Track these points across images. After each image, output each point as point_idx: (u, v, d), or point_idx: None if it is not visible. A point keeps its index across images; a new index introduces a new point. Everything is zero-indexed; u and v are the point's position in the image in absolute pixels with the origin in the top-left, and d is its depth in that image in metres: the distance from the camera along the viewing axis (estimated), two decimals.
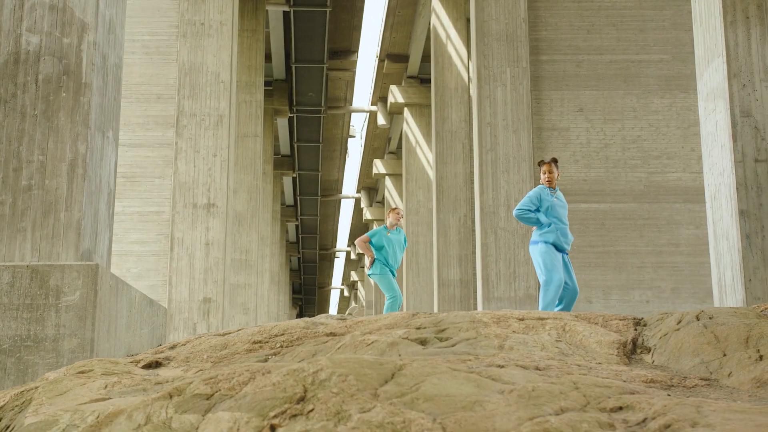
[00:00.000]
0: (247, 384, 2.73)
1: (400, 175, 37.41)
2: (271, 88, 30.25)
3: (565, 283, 7.60)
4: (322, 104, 31.22)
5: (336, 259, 56.23)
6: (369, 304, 46.66)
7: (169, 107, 15.54)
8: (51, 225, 6.35)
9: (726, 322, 3.89)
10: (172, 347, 4.52)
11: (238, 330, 4.66)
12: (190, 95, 15.33)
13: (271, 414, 2.46)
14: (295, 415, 2.45)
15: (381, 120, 34.53)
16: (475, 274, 21.60)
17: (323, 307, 64.94)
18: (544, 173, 8.28)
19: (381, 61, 32.09)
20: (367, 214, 43.68)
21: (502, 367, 3.03)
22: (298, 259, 51.37)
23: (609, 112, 16.16)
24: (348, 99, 34.63)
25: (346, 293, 63.45)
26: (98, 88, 6.67)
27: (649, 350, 3.93)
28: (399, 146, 37.62)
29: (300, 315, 64.59)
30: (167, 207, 15.10)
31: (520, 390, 2.49)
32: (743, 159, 6.83)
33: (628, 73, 16.30)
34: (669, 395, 2.70)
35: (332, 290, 65.36)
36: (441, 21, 24.20)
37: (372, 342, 3.82)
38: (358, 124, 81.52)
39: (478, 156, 15.66)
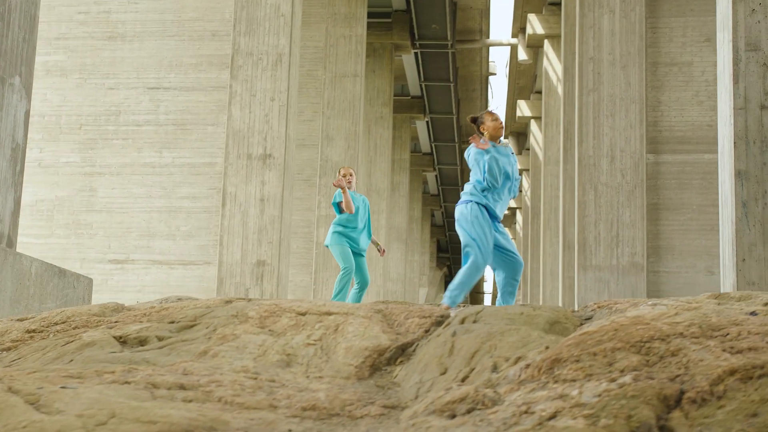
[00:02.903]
0: None
1: None
2: (389, 20, 29.87)
3: (509, 253, 6.71)
4: (449, 37, 30.60)
5: None
6: None
7: (224, 46, 15.51)
8: None
9: (477, 330, 3.35)
10: None
11: (45, 315, 4.46)
12: (246, 31, 15.22)
13: None
14: None
15: (522, 55, 33.61)
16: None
17: None
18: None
19: None
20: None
21: (114, 383, 2.68)
22: (442, 213, 51.16)
23: None
24: (484, 31, 33.84)
25: None
26: None
27: (410, 360, 3.45)
28: None
29: (449, 276, 64.55)
30: (220, 158, 15.12)
31: None
32: (745, 105, 5.90)
33: None
34: (290, 431, 2.28)
35: None
36: None
37: (72, 341, 3.53)
38: (502, 59, 78.26)
39: (578, 97, 14.87)
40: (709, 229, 14.58)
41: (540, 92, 37.20)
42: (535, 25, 30.21)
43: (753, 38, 5.98)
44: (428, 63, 32.55)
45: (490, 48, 35.70)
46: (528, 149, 42.04)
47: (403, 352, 3.57)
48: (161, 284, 15.06)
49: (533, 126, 36.71)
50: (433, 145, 40.26)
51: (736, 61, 6.00)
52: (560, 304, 20.31)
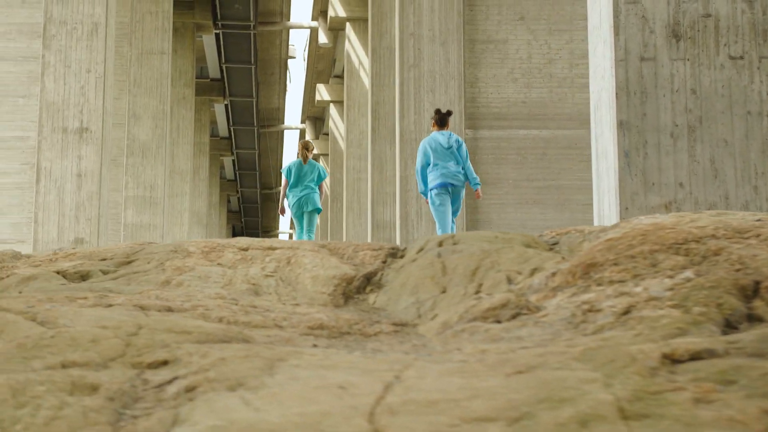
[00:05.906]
0: None
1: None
2: None
3: None
4: (252, 18, 30.33)
5: None
6: None
7: (36, 13, 14.78)
8: None
9: (466, 249, 3.40)
10: None
11: None
12: None
13: None
14: None
15: (323, 38, 33.70)
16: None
17: None
18: None
19: None
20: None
21: (94, 306, 2.53)
22: (238, 198, 50.69)
23: (555, 21, 15.56)
24: (285, 13, 33.74)
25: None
26: None
27: (382, 287, 3.45)
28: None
29: None
30: (33, 132, 14.42)
31: None
32: (626, 57, 6.22)
33: None
34: (315, 345, 2.21)
35: (280, 235, 64.90)
36: None
37: (7, 275, 3.33)
38: (300, 43, 78.55)
39: (399, 73, 15.08)
40: (524, 203, 15.12)
41: (339, 76, 37.47)
42: (337, 8, 30.35)
43: None
44: (230, 45, 32.14)
45: (290, 31, 35.63)
46: (326, 134, 42.26)
47: (368, 281, 3.51)
48: None
49: (332, 110, 36.92)
50: (231, 129, 39.82)
51: (616, 14, 6.25)
52: None
